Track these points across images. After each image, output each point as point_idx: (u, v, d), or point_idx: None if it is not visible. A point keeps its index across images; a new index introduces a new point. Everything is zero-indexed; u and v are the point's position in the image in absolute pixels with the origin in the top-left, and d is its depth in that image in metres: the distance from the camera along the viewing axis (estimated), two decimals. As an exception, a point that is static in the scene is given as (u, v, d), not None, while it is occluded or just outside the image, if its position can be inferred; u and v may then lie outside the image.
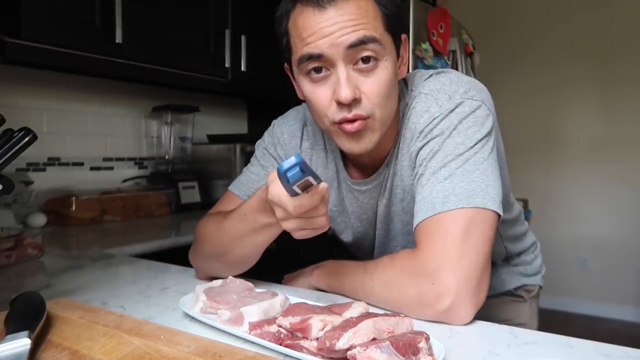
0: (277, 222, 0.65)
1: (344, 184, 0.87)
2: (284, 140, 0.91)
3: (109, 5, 1.51)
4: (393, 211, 0.85)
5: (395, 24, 0.73)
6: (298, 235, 0.64)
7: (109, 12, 1.52)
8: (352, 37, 0.67)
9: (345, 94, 0.67)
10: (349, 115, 0.69)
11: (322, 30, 0.67)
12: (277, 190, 0.60)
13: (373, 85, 0.70)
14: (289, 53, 0.73)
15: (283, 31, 0.73)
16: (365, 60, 0.69)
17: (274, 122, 0.95)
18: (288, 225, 0.63)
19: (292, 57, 0.72)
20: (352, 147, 0.73)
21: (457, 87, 0.74)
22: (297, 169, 0.54)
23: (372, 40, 0.68)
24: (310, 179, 0.56)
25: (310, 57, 0.68)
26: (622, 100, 3.33)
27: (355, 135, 0.72)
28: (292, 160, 0.53)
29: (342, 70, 0.68)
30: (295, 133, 0.90)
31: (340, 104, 0.69)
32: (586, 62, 3.42)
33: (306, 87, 0.72)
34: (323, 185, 0.59)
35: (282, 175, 0.55)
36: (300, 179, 0.55)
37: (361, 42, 0.67)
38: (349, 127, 0.71)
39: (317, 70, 0.70)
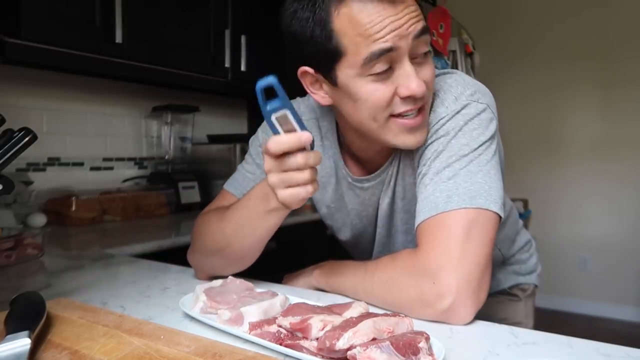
0: (277, 208, 0.69)
1: (344, 180, 0.87)
2: None
3: (109, 5, 1.51)
4: (395, 209, 0.85)
5: None
6: (282, 195, 0.64)
7: (109, 12, 1.52)
8: (418, 27, 0.67)
9: (421, 88, 0.67)
10: (417, 106, 0.70)
11: (392, 24, 0.65)
12: (267, 138, 0.62)
13: (429, 74, 0.71)
14: (339, 55, 0.67)
15: (326, 34, 0.66)
16: (424, 54, 0.69)
17: None
18: (272, 179, 0.64)
19: (346, 58, 0.67)
20: (413, 141, 0.73)
21: (464, 89, 0.75)
22: (270, 83, 0.55)
23: (428, 30, 0.69)
24: (291, 119, 0.59)
25: (381, 54, 0.65)
26: (622, 100, 3.33)
27: (415, 128, 0.72)
28: (268, 79, 0.55)
29: (408, 64, 0.67)
30: None
31: (407, 98, 0.68)
32: (586, 62, 3.42)
33: (364, 87, 0.68)
34: (305, 133, 0.60)
35: (259, 93, 0.56)
36: (278, 109, 0.58)
37: (423, 33, 0.67)
38: (411, 121, 0.71)
39: (381, 68, 0.67)
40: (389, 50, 0.65)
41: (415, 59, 0.69)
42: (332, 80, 0.70)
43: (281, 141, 0.61)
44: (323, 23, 0.66)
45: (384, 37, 0.64)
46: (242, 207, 0.76)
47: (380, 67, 0.66)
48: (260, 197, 0.72)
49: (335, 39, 0.66)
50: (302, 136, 0.61)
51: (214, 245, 0.82)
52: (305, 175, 0.63)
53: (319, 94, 0.75)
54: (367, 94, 0.68)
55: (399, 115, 0.70)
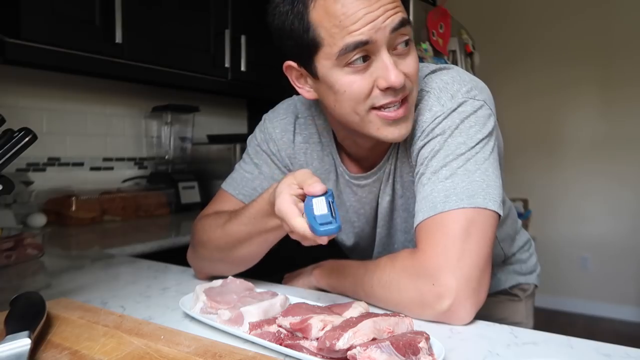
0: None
1: (342, 178, 0.87)
2: (276, 135, 0.89)
3: (109, 5, 1.51)
4: (394, 207, 0.85)
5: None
6: (305, 243, 0.65)
7: (109, 12, 1.52)
8: (396, 20, 0.66)
9: (399, 79, 0.66)
10: (397, 98, 0.69)
11: (367, 16, 0.64)
12: (285, 208, 0.62)
13: (411, 66, 0.70)
14: (316, 47, 0.68)
15: (304, 25, 0.67)
16: (404, 44, 0.68)
17: (265, 116, 0.93)
18: (294, 237, 0.64)
19: (323, 50, 0.67)
20: (396, 134, 0.71)
21: (460, 86, 0.74)
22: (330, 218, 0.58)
23: (408, 22, 0.68)
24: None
25: (357, 47, 0.65)
26: (622, 100, 3.33)
27: (397, 120, 0.70)
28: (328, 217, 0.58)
29: (386, 56, 0.67)
30: (288, 127, 0.89)
31: (387, 90, 0.68)
32: (586, 62, 3.42)
33: (342, 79, 0.68)
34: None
35: (312, 220, 0.58)
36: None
37: (401, 25, 0.67)
38: (392, 114, 0.69)
39: (363, 59, 0.67)
40: (365, 43, 0.65)
41: (395, 50, 0.68)
42: (313, 73, 0.71)
43: (309, 239, 0.61)
44: (301, 15, 0.67)
45: (359, 29, 0.64)
46: (246, 223, 0.75)
47: (356, 59, 0.66)
48: (266, 215, 0.71)
49: (313, 31, 0.67)
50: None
51: (218, 253, 0.82)
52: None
53: (304, 88, 0.76)
54: (346, 86, 0.68)
55: (380, 108, 0.69)
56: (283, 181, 0.64)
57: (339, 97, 0.70)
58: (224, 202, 0.89)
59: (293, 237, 0.64)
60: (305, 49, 0.69)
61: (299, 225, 0.60)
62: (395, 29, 0.66)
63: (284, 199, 0.62)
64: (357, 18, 0.64)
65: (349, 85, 0.68)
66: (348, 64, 0.67)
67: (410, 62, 0.70)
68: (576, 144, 3.49)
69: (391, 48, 0.68)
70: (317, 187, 0.61)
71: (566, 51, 3.48)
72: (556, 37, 3.51)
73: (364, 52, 0.66)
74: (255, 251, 0.79)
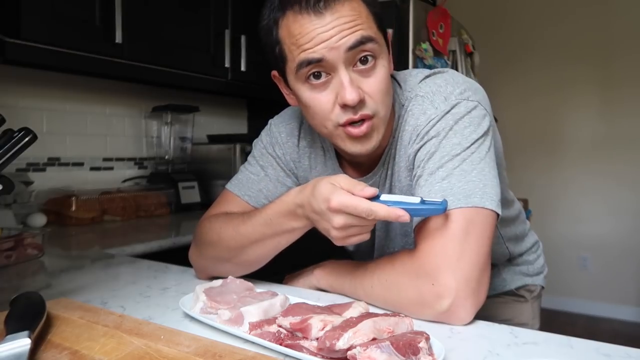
0: (304, 227, 0.71)
1: None
2: (281, 139, 0.91)
3: (109, 5, 1.51)
4: None
5: (382, 22, 0.74)
6: (339, 242, 0.66)
7: (109, 12, 1.52)
8: (351, 39, 0.67)
9: (352, 97, 0.68)
10: (356, 117, 0.70)
11: (320, 36, 0.67)
12: (350, 197, 0.62)
13: (374, 85, 0.71)
14: (284, 62, 0.73)
15: (274, 40, 0.72)
16: (364, 60, 0.69)
17: (271, 121, 0.95)
18: (336, 234, 0.64)
19: (288, 65, 0.72)
20: (359, 148, 0.74)
21: (453, 88, 0.75)
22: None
23: (370, 39, 0.69)
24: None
25: (310, 63, 0.68)
26: (622, 100, 3.33)
27: (362, 137, 0.72)
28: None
29: (344, 74, 0.68)
30: (293, 132, 0.91)
31: (345, 107, 0.69)
32: (586, 62, 3.42)
33: (305, 93, 0.72)
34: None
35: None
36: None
37: (360, 43, 0.68)
38: (355, 131, 0.71)
39: (317, 76, 0.70)
40: (319, 60, 0.68)
41: (357, 68, 0.70)
42: (288, 85, 0.76)
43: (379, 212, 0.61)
44: (271, 31, 0.72)
45: (312, 47, 0.67)
46: (262, 224, 0.75)
47: (312, 76, 0.70)
48: (284, 216, 0.72)
49: (279, 46, 0.72)
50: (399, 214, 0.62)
51: (227, 253, 0.82)
52: (370, 227, 0.65)
53: (290, 96, 0.79)
54: (309, 101, 0.72)
55: (345, 125, 0.71)
56: (322, 184, 0.64)
57: (308, 110, 0.74)
58: (229, 203, 0.90)
59: (332, 233, 0.64)
60: (277, 62, 0.75)
61: (372, 205, 0.61)
62: (352, 48, 0.67)
63: (341, 193, 0.62)
64: (311, 37, 0.67)
65: (312, 100, 0.72)
66: (306, 80, 0.70)
67: (372, 82, 0.71)
68: (576, 143, 3.49)
69: (352, 64, 0.69)
70: (368, 190, 0.62)
71: (566, 51, 3.48)
72: (556, 37, 3.51)
73: (320, 68, 0.69)
74: (264, 254, 0.80)
